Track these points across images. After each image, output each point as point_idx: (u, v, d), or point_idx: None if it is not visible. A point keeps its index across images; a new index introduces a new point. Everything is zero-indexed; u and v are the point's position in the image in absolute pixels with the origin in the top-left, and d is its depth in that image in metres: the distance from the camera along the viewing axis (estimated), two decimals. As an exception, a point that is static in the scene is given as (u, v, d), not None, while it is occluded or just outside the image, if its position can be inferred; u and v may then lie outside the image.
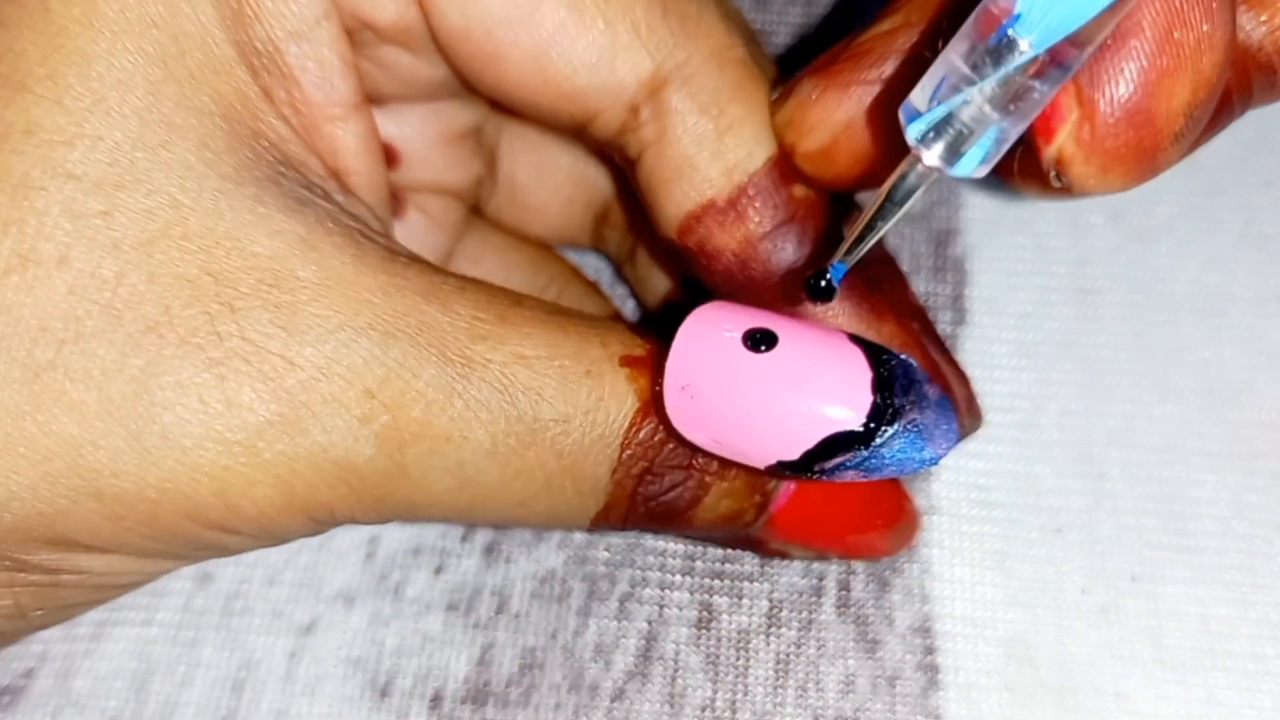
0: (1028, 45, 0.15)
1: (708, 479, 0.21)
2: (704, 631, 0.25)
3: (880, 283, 0.24)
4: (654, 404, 0.20)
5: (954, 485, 0.27)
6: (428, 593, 0.26)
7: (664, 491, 0.21)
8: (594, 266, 0.29)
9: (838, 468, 0.19)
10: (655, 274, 0.27)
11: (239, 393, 0.18)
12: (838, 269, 0.18)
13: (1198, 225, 0.29)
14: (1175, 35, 0.16)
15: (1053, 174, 0.17)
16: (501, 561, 0.26)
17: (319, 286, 0.19)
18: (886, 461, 0.19)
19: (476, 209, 0.27)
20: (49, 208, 0.18)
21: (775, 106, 0.21)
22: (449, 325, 0.19)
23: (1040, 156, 0.17)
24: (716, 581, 0.26)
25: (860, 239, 0.18)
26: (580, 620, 0.25)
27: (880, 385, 0.19)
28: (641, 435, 0.20)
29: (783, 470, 0.19)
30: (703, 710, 0.24)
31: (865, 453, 0.19)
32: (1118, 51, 0.16)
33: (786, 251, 0.21)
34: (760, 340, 0.19)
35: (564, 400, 0.20)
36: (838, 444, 0.19)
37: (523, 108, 0.22)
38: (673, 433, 0.20)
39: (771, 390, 0.19)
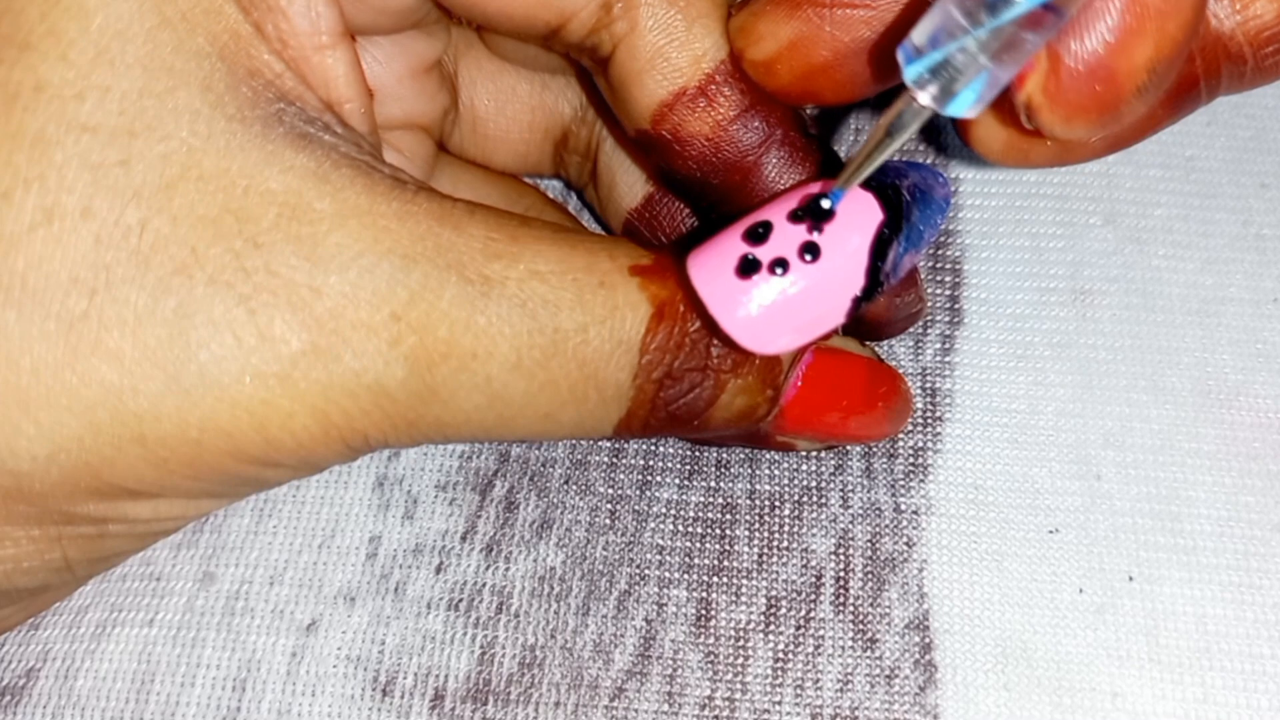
0: None
1: (723, 376, 0.22)
2: (702, 629, 0.25)
3: None
4: (667, 309, 0.21)
5: (950, 485, 0.27)
6: (428, 592, 0.26)
7: (684, 394, 0.22)
8: (560, 192, 0.30)
9: (896, 261, 0.20)
10: (616, 195, 0.27)
11: (271, 325, 0.19)
12: (836, 195, 0.19)
13: (1194, 227, 0.29)
14: None
15: (1024, 117, 0.18)
16: (501, 560, 0.26)
17: (337, 216, 0.19)
18: (922, 227, 0.21)
19: (442, 145, 0.28)
20: (67, 161, 0.19)
21: (735, 9, 0.22)
22: (464, 246, 0.20)
23: (1014, 101, 0.18)
24: (714, 579, 0.26)
25: (859, 169, 0.19)
26: (579, 619, 0.25)
27: (870, 186, 0.20)
28: (659, 339, 0.21)
29: (861, 302, 0.20)
30: (701, 708, 0.24)
31: (905, 231, 0.20)
32: (1088, 8, 0.17)
33: (755, 133, 0.22)
34: (760, 231, 0.20)
35: (581, 310, 0.21)
36: (884, 243, 0.20)
37: (497, 20, 0.22)
38: (703, 320, 0.21)
39: (808, 256, 0.20)
